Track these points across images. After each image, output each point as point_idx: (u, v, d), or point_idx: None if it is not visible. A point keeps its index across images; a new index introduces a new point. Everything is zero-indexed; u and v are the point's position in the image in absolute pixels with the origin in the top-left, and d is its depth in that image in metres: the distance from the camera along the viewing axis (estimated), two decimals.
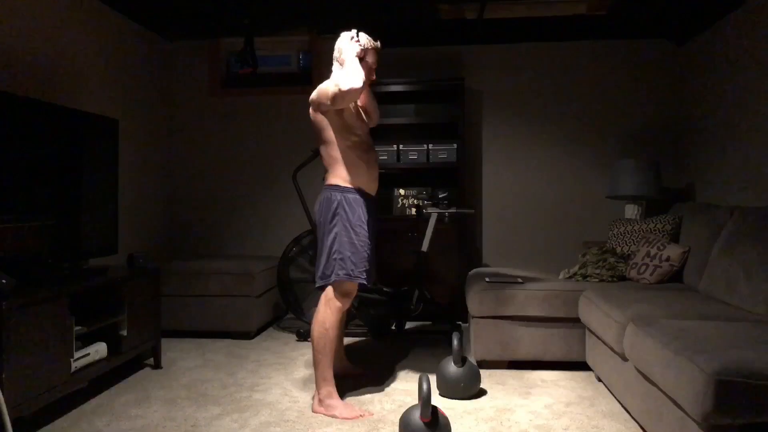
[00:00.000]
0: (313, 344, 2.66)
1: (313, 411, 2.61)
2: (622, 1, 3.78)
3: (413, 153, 4.47)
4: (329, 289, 2.68)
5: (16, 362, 2.20)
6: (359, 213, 2.66)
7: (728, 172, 3.81)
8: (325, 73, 4.72)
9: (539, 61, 4.68)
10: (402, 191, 4.63)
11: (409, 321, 4.01)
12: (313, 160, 3.98)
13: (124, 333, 2.98)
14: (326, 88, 2.64)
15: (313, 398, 2.71)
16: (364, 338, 3.92)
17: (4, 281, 2.20)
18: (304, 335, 3.89)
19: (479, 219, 4.73)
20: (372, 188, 2.79)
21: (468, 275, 3.79)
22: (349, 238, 2.62)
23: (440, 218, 3.93)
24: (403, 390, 2.89)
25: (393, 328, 3.92)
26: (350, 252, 2.62)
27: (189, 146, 4.91)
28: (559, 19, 4.14)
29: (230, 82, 4.92)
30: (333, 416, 2.54)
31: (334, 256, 2.62)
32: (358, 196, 2.67)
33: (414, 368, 3.26)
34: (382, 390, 2.90)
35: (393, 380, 3.05)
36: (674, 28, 4.32)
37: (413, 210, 4.55)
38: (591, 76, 4.65)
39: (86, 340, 2.73)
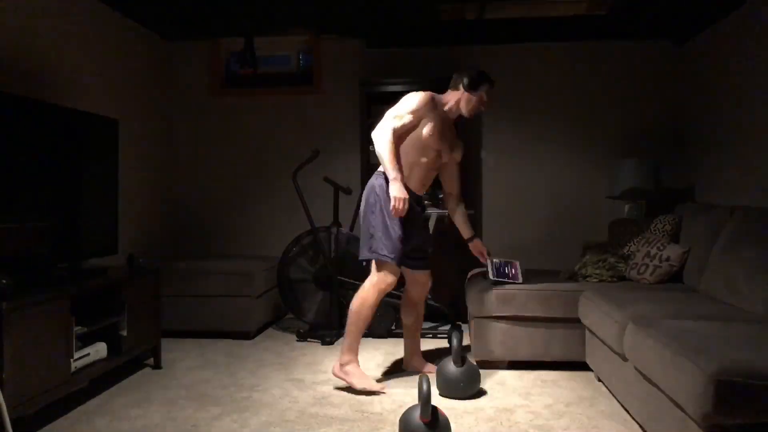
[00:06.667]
0: (349, 314, 2.93)
1: (333, 373, 2.91)
2: (622, 1, 3.78)
3: None
4: (374, 270, 2.91)
5: (16, 362, 2.20)
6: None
7: (728, 172, 3.81)
8: (324, 74, 4.77)
9: (539, 61, 4.68)
10: None
11: None
12: (313, 161, 3.99)
13: (124, 333, 2.98)
14: (390, 110, 2.93)
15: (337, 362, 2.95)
16: (364, 338, 3.91)
17: (4, 281, 2.20)
18: (304, 335, 3.89)
19: (479, 219, 4.73)
20: (418, 190, 3.05)
21: (468, 275, 3.79)
22: (384, 220, 2.85)
23: (440, 218, 3.93)
24: (403, 390, 2.89)
25: (393, 328, 3.92)
26: (382, 233, 2.85)
27: (189, 146, 4.91)
28: (559, 19, 4.14)
29: (230, 82, 4.91)
30: (350, 384, 2.82)
31: (370, 232, 2.89)
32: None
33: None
34: (382, 390, 2.89)
35: (393, 380, 3.05)
36: (674, 28, 4.32)
37: None
38: (591, 76, 4.64)
39: (86, 340, 2.73)
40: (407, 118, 2.87)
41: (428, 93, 2.94)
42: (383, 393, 2.81)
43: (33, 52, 3.25)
